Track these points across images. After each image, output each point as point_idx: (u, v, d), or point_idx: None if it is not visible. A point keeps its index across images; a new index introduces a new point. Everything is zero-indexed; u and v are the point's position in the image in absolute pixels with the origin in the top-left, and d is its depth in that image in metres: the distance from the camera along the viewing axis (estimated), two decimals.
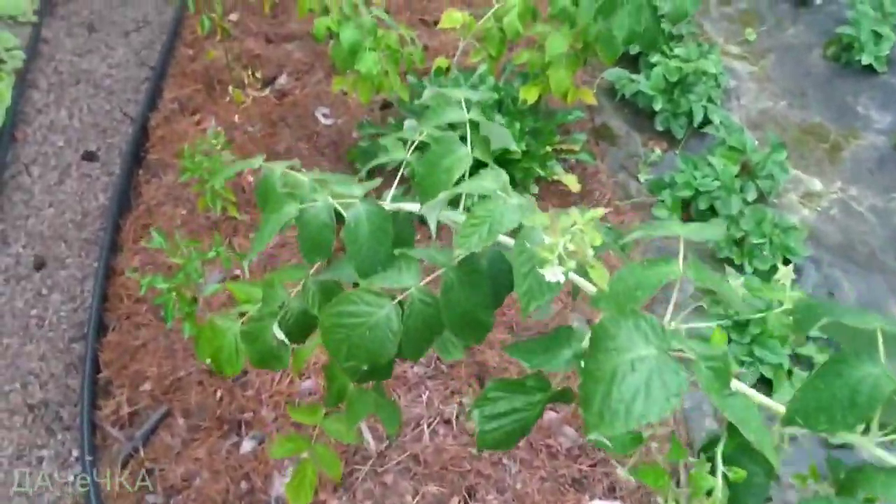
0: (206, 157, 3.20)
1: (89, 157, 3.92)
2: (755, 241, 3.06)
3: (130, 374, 2.88)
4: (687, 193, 3.27)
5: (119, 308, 3.13)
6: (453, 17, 3.41)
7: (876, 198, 3.45)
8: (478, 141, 1.36)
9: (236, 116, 3.92)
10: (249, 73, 4.09)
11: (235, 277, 3.17)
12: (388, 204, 1.45)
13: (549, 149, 3.37)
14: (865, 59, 3.92)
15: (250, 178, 3.60)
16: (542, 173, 3.29)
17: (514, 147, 2.13)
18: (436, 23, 4.44)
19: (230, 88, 4.01)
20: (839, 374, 0.89)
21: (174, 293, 2.45)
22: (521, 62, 3.36)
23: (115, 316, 3.10)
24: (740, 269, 3.10)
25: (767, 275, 3.05)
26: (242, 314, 1.65)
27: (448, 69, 3.52)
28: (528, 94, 3.36)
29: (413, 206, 1.46)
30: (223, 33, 3.78)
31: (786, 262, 3.09)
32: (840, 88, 3.97)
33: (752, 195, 3.36)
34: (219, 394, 2.79)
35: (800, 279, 3.09)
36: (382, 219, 1.38)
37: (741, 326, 2.72)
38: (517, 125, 3.26)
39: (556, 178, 3.37)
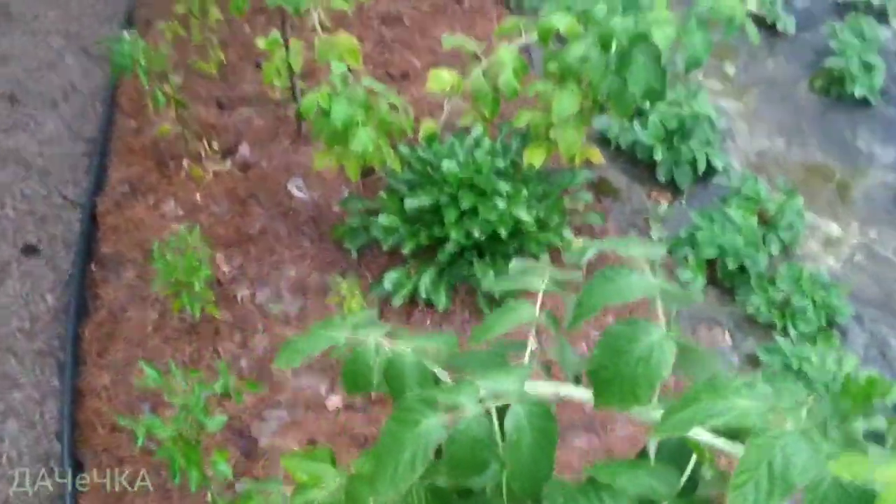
0: (179, 255, 2.80)
1: (29, 251, 3.44)
2: (797, 304, 2.84)
3: None
4: (711, 253, 3.04)
5: (93, 439, 2.68)
6: (441, 79, 3.11)
7: None
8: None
9: (198, 195, 3.51)
10: (205, 144, 3.67)
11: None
12: (549, 389, 1.12)
13: (563, 217, 3.09)
14: (859, 92, 3.80)
15: (225, 269, 3.19)
16: (559, 243, 3.00)
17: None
18: (403, 76, 4.13)
19: (185, 163, 3.59)
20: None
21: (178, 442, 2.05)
22: (521, 124, 3.07)
23: (91, 450, 2.65)
24: (784, 332, 2.88)
25: (813, 338, 2.83)
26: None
27: (434, 135, 3.20)
28: (534, 158, 3.07)
29: (580, 393, 1.14)
30: (177, 106, 3.37)
31: (829, 322, 2.88)
32: (836, 123, 3.83)
33: (775, 248, 3.15)
34: None
35: (845, 341, 2.89)
36: (546, 420, 1.05)
37: None
38: (524, 192, 2.96)
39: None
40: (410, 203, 2.94)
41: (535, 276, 1.35)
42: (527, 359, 1.27)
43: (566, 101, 2.85)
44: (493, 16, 4.60)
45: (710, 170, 3.49)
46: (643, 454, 1.12)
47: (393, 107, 2.97)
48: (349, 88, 2.74)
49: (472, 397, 1.04)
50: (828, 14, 4.44)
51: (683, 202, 3.47)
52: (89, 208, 3.52)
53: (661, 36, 2.60)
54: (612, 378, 1.04)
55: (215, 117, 3.88)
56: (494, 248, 2.97)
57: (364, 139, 2.72)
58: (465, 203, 2.88)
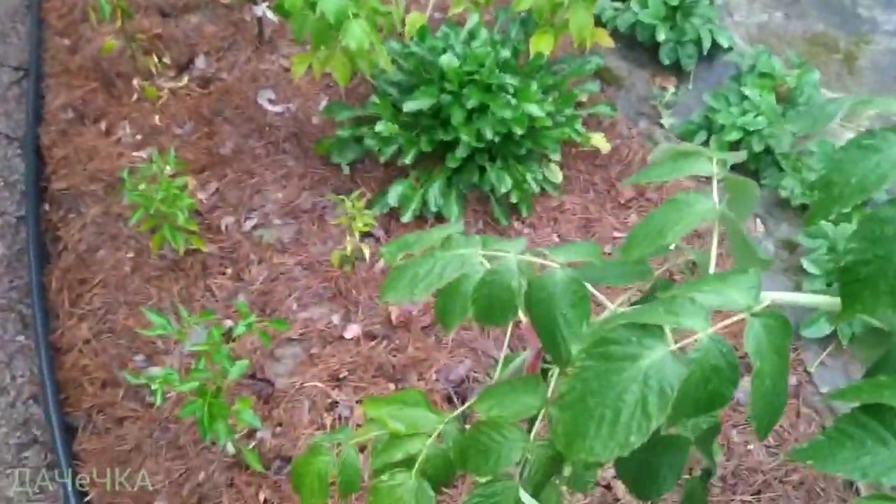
0: (154, 184, 2.44)
1: None
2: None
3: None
4: (735, 136, 2.82)
5: (82, 400, 2.36)
6: None
7: None
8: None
9: (156, 117, 3.11)
10: (155, 59, 3.24)
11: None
12: (787, 298, 0.88)
13: (574, 110, 2.82)
14: None
15: (201, 196, 2.84)
16: (577, 138, 2.73)
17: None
18: None
19: (136, 82, 3.17)
20: None
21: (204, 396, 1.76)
22: (523, 9, 2.75)
23: (83, 412, 2.34)
24: None
25: (849, 216, 2.66)
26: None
27: (424, 28, 2.86)
28: (542, 46, 2.77)
29: (825, 301, 0.90)
30: (123, 16, 2.94)
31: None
32: None
33: (797, 126, 2.95)
34: (262, 496, 2.13)
35: None
36: (785, 337, 0.82)
37: None
38: (534, 86, 2.67)
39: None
40: (409, 106, 2.62)
41: (701, 159, 1.09)
42: (712, 266, 1.03)
43: None
44: None
45: (715, 48, 3.24)
46: None
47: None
48: None
49: (699, 316, 0.79)
50: None
51: (690, 85, 3.23)
52: (31, 141, 3.09)
53: None
54: (877, 274, 0.80)
55: (161, 26, 3.43)
56: (506, 150, 2.69)
57: (359, 33, 2.36)
58: (472, 101, 2.58)
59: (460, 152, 2.60)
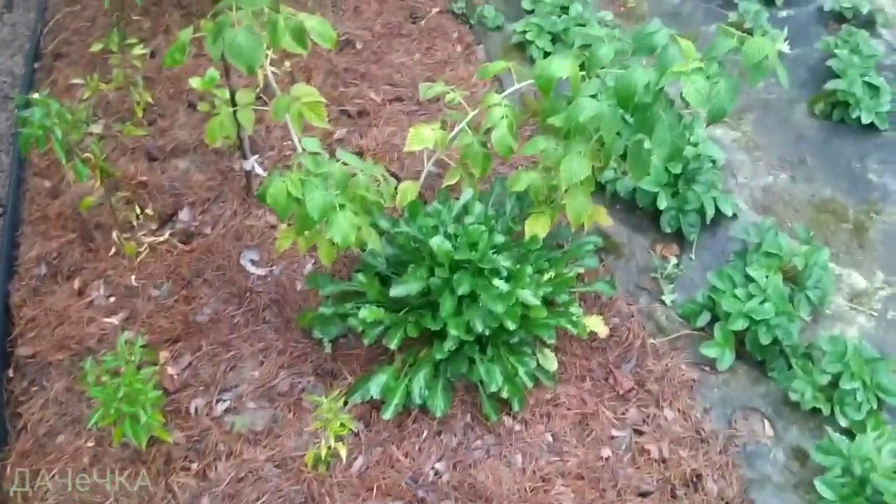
0: (118, 376, 2.29)
1: None
2: (846, 386, 2.49)
3: None
4: (740, 324, 2.66)
5: None
6: (422, 137, 2.65)
7: None
8: None
9: (132, 276, 2.96)
10: (137, 210, 3.12)
11: None
12: None
13: (571, 292, 2.67)
14: (866, 117, 3.47)
15: (172, 372, 2.67)
16: (573, 330, 2.57)
17: None
18: (360, 114, 3.64)
19: (115, 235, 3.03)
20: None
21: None
22: (519, 188, 2.63)
23: None
24: (832, 420, 2.53)
25: (863, 423, 2.50)
26: None
27: (417, 204, 2.73)
28: (538, 228, 2.65)
29: None
30: (103, 176, 2.82)
31: (879, 404, 2.55)
32: (842, 152, 3.50)
33: (805, 310, 2.80)
34: None
35: None
36: None
37: None
38: (528, 270, 2.52)
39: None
40: (397, 291, 2.47)
41: None
42: None
43: (576, 165, 2.41)
44: (453, 36, 4.13)
45: (719, 216, 3.12)
46: None
47: (372, 178, 2.49)
48: (323, 166, 2.24)
49: None
50: (814, 24, 4.11)
51: (693, 256, 3.09)
52: (2, 297, 2.94)
53: (693, 91, 2.19)
54: None
55: (146, 173, 3.32)
56: (497, 339, 2.53)
57: (344, 226, 2.23)
58: (463, 288, 2.42)
59: (449, 345, 2.44)
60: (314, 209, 2.15)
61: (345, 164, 2.33)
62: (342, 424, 2.29)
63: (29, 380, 2.69)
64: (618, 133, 2.40)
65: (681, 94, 2.24)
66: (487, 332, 2.43)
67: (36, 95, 2.63)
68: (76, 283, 2.94)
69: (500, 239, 2.53)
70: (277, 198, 2.17)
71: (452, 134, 2.71)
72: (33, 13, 4.50)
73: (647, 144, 2.39)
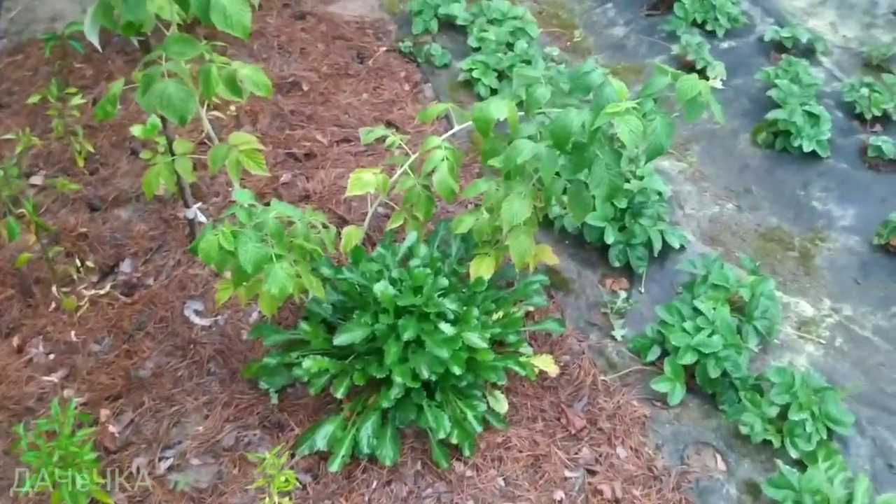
0: (53, 439, 2.21)
1: None
2: (795, 418, 2.49)
3: None
4: (690, 358, 2.66)
5: None
6: (363, 182, 2.62)
7: (876, 315, 3.01)
8: None
9: (73, 332, 2.89)
10: (77, 263, 3.05)
11: None
12: None
13: (519, 332, 2.65)
14: (807, 146, 3.52)
15: (113, 430, 2.60)
16: (521, 371, 2.55)
17: None
18: (307, 156, 3.62)
19: (54, 289, 2.96)
20: None
21: None
22: (463, 230, 2.61)
23: None
24: (781, 453, 2.52)
25: (814, 455, 2.49)
26: None
27: (360, 250, 2.70)
28: (482, 270, 2.62)
29: None
30: (39, 231, 2.75)
31: (829, 433, 2.55)
32: (786, 181, 3.54)
33: (753, 341, 2.81)
34: None
35: (848, 453, 2.56)
36: None
37: None
38: (474, 312, 2.50)
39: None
40: (341, 340, 2.43)
41: None
42: None
43: (517, 207, 2.41)
44: (401, 75, 4.14)
45: (666, 248, 3.13)
46: None
47: (311, 226, 2.46)
48: (257, 217, 2.20)
49: None
50: (755, 55, 4.18)
51: (642, 289, 3.09)
52: None
53: (627, 131, 2.19)
54: None
55: (87, 224, 3.26)
56: (445, 383, 2.50)
57: (281, 277, 2.19)
58: (408, 333, 2.39)
59: (395, 392, 2.40)
60: (247, 262, 2.12)
61: (279, 215, 2.29)
62: (286, 480, 2.24)
63: None
64: (557, 173, 2.40)
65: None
66: (434, 378, 2.39)
67: None
68: (15, 341, 2.86)
69: (444, 282, 2.51)
70: (209, 252, 2.13)
71: (395, 178, 2.70)
72: None
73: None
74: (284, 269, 2.21)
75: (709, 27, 4.32)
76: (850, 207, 3.39)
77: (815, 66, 4.05)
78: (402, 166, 2.68)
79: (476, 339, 2.45)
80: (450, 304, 2.49)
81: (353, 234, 2.73)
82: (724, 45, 4.27)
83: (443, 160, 2.57)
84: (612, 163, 2.32)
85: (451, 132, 2.68)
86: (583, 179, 2.38)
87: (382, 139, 2.77)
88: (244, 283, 2.34)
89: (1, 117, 3.84)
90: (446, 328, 2.43)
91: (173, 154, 2.73)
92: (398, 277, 2.55)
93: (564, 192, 2.48)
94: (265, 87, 2.35)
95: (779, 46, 4.20)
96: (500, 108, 2.44)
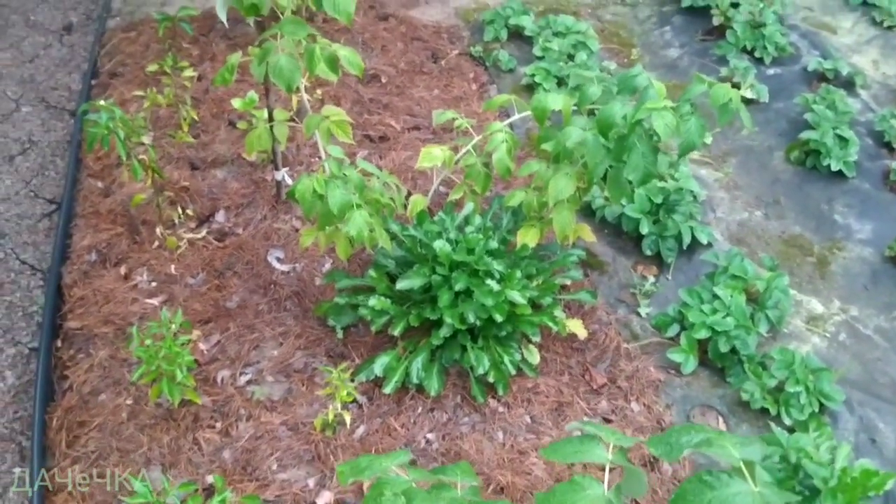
0: (159, 341, 2.66)
1: None
2: (791, 390, 2.83)
3: None
4: (703, 334, 3.02)
5: None
6: (432, 156, 3.04)
7: (879, 317, 3.33)
8: None
9: (172, 266, 3.36)
10: (179, 210, 3.54)
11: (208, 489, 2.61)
12: None
13: (555, 297, 3.04)
14: (835, 165, 3.85)
15: (203, 347, 3.05)
16: (554, 327, 2.94)
17: None
18: (381, 138, 4.06)
19: (159, 230, 3.44)
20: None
21: None
22: (514, 204, 3.02)
23: None
24: (777, 420, 2.86)
25: (805, 424, 2.82)
26: None
27: (424, 213, 3.12)
28: (528, 239, 3.02)
29: None
30: (154, 176, 3.24)
31: (821, 408, 2.88)
32: (813, 195, 3.88)
33: (764, 327, 3.15)
34: None
35: (836, 426, 2.89)
36: None
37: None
38: (518, 273, 2.90)
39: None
40: (402, 284, 2.85)
41: (599, 446, 1.28)
42: None
43: (562, 184, 2.81)
44: (470, 76, 4.57)
45: (695, 243, 3.49)
46: None
47: (386, 185, 2.90)
48: (344, 170, 2.65)
49: None
50: (798, 83, 4.52)
51: (669, 276, 3.46)
52: (55, 278, 3.34)
53: (662, 125, 2.57)
54: None
55: (189, 180, 3.74)
56: (488, 331, 2.90)
57: (360, 222, 2.63)
58: (459, 284, 2.81)
59: (444, 332, 2.81)
60: (335, 205, 2.55)
61: (363, 171, 2.73)
62: (348, 393, 2.67)
63: (76, 348, 3.08)
64: (600, 159, 2.80)
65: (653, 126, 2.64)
66: (479, 323, 2.80)
67: (102, 102, 3.07)
68: (122, 269, 3.34)
69: (494, 245, 2.92)
70: (304, 194, 2.57)
71: (459, 155, 3.12)
72: (91, 37, 5.01)
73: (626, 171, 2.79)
74: (363, 216, 2.65)
75: (757, 54, 4.68)
76: (868, 223, 3.71)
77: (852, 96, 4.37)
78: (466, 146, 3.10)
79: (517, 296, 2.85)
80: (497, 265, 2.89)
81: (419, 201, 3.16)
82: (770, 71, 4.62)
83: (503, 142, 2.98)
84: (647, 152, 2.71)
85: (511, 119, 3.09)
86: (622, 165, 2.78)
87: (450, 125, 3.19)
88: (327, 228, 2.78)
89: (116, 84, 4.37)
90: (492, 284, 2.83)
91: (272, 120, 3.20)
92: (454, 239, 2.96)
93: (604, 177, 2.87)
94: (359, 67, 2.79)
95: (821, 77, 4.54)
96: (556, 100, 2.85)
